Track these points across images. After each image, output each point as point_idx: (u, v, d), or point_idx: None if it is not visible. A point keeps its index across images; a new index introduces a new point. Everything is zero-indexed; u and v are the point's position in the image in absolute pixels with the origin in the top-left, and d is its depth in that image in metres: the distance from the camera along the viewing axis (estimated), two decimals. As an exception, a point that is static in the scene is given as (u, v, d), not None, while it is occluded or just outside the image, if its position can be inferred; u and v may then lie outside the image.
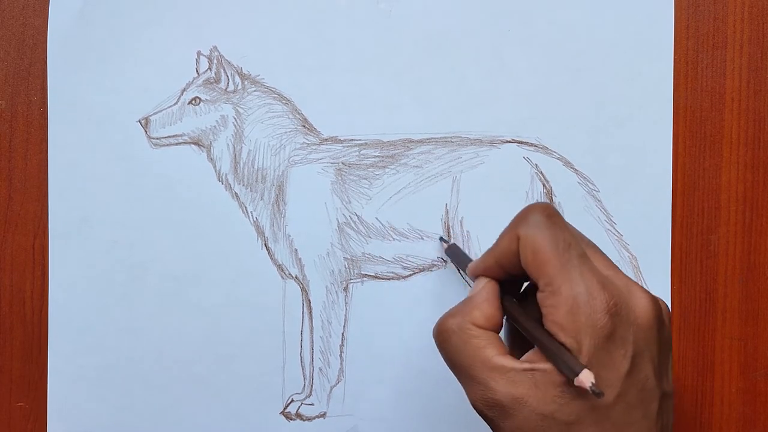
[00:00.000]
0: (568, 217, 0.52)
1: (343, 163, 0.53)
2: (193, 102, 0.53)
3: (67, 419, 0.53)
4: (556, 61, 0.53)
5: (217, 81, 0.53)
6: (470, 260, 0.46)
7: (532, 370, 0.39)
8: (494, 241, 0.43)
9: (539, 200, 0.53)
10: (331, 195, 0.53)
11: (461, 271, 0.46)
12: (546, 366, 0.38)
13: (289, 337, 0.53)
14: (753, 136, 0.53)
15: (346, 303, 0.53)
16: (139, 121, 0.53)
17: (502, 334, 0.42)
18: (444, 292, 0.53)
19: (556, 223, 0.40)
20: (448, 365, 0.42)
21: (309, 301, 0.53)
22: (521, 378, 0.39)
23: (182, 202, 0.53)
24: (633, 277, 0.53)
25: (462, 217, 0.53)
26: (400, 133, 0.53)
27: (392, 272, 0.53)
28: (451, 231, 0.53)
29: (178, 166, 0.53)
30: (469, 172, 0.53)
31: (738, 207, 0.53)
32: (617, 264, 0.52)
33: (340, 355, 0.53)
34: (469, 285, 0.47)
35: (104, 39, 0.53)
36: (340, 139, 0.53)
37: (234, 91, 0.53)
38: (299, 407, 0.53)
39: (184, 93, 0.53)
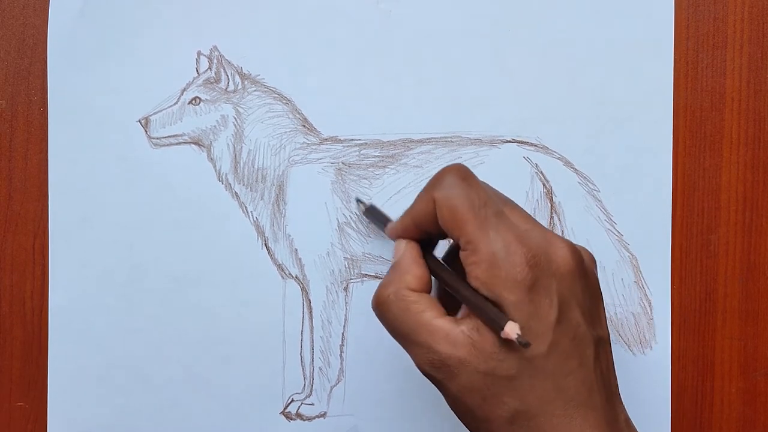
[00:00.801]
0: (568, 217, 0.53)
1: (343, 163, 0.53)
2: (194, 102, 0.53)
3: (67, 419, 0.53)
4: (556, 61, 0.53)
5: (218, 81, 0.53)
6: (390, 220, 0.47)
7: (468, 329, 0.39)
8: (409, 206, 0.44)
9: (539, 200, 0.53)
10: (331, 195, 0.53)
11: (383, 231, 0.47)
12: (479, 324, 0.39)
13: (289, 337, 0.53)
14: (753, 136, 0.53)
15: (346, 303, 0.53)
16: (140, 121, 0.53)
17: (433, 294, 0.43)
18: (444, 292, 0.53)
19: (471, 183, 0.41)
20: (391, 334, 0.42)
21: (309, 300, 0.53)
22: (460, 338, 0.39)
23: (182, 202, 0.53)
24: (633, 277, 0.53)
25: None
26: (400, 133, 0.53)
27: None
28: (451, 231, 0.53)
29: (178, 166, 0.53)
30: (469, 172, 0.53)
31: (738, 207, 0.53)
32: (617, 264, 0.53)
33: (341, 355, 0.53)
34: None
35: (104, 39, 0.53)
36: (340, 139, 0.53)
37: (234, 91, 0.53)
38: (299, 407, 0.53)
39: (185, 93, 0.53)
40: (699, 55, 0.53)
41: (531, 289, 0.38)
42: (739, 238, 0.53)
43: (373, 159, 0.53)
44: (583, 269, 0.41)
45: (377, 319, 0.43)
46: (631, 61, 0.53)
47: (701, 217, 0.53)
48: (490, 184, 0.52)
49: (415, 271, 0.42)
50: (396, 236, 0.45)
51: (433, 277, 0.43)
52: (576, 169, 0.53)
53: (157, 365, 0.53)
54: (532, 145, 0.53)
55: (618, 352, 0.53)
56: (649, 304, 0.53)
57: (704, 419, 0.53)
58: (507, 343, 0.38)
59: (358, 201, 0.52)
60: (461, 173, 0.42)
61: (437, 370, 0.40)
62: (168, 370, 0.53)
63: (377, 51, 0.53)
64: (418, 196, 0.43)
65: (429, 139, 0.53)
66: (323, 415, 0.53)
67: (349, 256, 0.53)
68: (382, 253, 0.53)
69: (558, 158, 0.53)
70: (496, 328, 0.38)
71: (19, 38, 0.53)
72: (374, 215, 0.51)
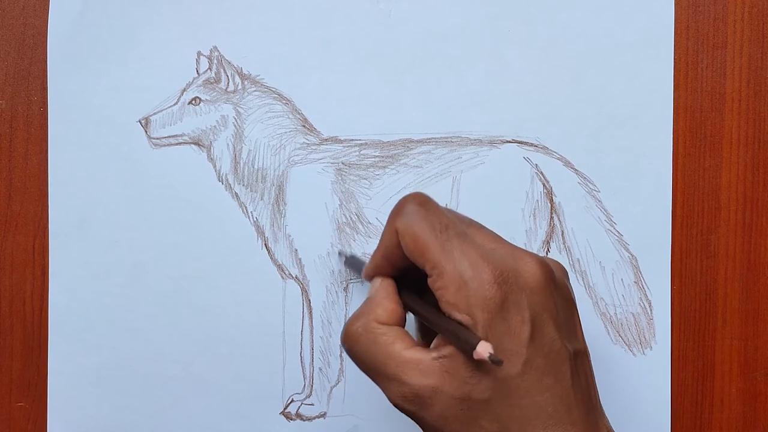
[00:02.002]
0: (569, 217, 0.53)
1: (343, 163, 0.53)
2: (194, 102, 0.53)
3: (67, 419, 0.53)
4: (556, 62, 0.53)
5: (218, 81, 0.53)
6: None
7: (440, 357, 0.39)
8: (378, 243, 0.43)
9: (539, 201, 0.53)
10: (331, 195, 0.53)
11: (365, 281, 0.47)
12: (451, 350, 0.39)
13: (289, 337, 0.53)
14: (753, 136, 0.53)
15: (346, 303, 0.53)
16: (140, 121, 0.53)
17: (412, 329, 0.43)
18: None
19: (430, 209, 0.41)
20: (361, 369, 0.42)
21: (309, 301, 0.53)
22: (432, 366, 0.39)
23: (182, 202, 0.53)
24: (633, 278, 0.53)
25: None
26: (400, 133, 0.53)
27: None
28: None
29: (178, 166, 0.53)
30: (469, 173, 0.53)
31: (738, 207, 0.53)
32: (617, 265, 0.53)
33: (341, 355, 0.53)
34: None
35: (104, 39, 0.53)
36: (340, 139, 0.53)
37: (234, 91, 0.53)
38: (299, 407, 0.53)
39: (184, 93, 0.53)
40: (699, 55, 0.53)
41: (501, 307, 0.38)
42: (739, 238, 0.53)
43: (373, 159, 0.53)
44: (553, 282, 0.40)
45: (346, 352, 0.42)
46: (631, 61, 0.53)
47: (701, 217, 0.53)
48: (490, 185, 0.52)
49: (386, 304, 0.42)
50: (370, 276, 0.45)
51: (413, 314, 0.43)
52: (576, 170, 0.53)
53: (157, 365, 0.53)
54: (532, 145, 0.53)
55: (618, 352, 0.53)
56: (649, 304, 0.53)
57: (704, 419, 0.53)
58: (480, 365, 0.38)
59: (340, 253, 0.53)
60: (419, 200, 0.41)
61: (410, 403, 0.39)
62: (168, 370, 0.53)
63: (377, 51, 0.53)
64: (384, 230, 0.43)
65: (429, 139, 0.53)
66: (323, 415, 0.53)
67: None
68: None
69: (558, 158, 0.53)
70: (468, 349, 0.37)
71: (19, 38, 0.53)
72: (355, 265, 0.51)
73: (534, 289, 0.39)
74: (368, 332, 0.41)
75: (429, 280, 0.40)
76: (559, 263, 0.43)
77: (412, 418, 0.40)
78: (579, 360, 0.40)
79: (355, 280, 0.53)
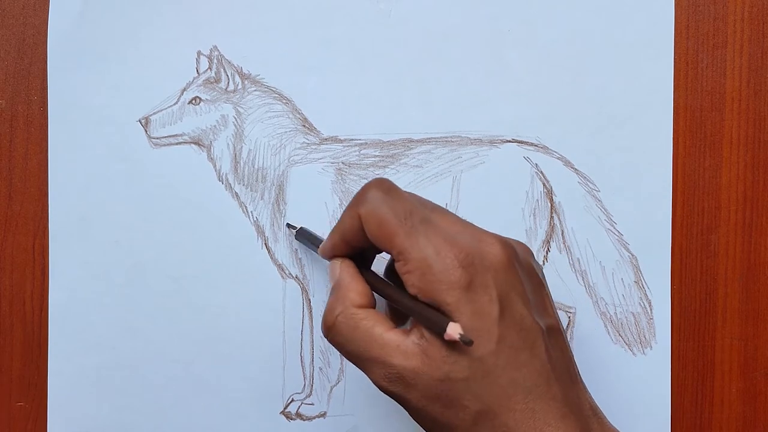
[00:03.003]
0: (569, 217, 0.53)
1: (343, 163, 0.53)
2: (194, 102, 0.53)
3: (67, 419, 0.53)
4: (556, 61, 0.53)
5: (218, 81, 0.53)
6: (322, 241, 0.47)
7: (418, 339, 0.40)
8: (336, 224, 0.44)
9: (540, 200, 0.53)
10: (331, 195, 0.53)
11: (316, 252, 0.48)
12: (428, 333, 0.39)
13: (290, 337, 0.53)
14: (753, 136, 0.53)
15: (346, 303, 0.53)
16: (140, 121, 0.53)
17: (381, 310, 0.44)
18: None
19: (394, 195, 0.41)
20: (346, 357, 0.42)
21: (309, 300, 0.53)
22: (412, 349, 0.40)
23: (182, 201, 0.53)
24: (633, 277, 0.53)
25: (462, 217, 0.52)
26: (400, 133, 0.53)
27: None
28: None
29: (178, 166, 0.53)
30: (469, 172, 0.53)
31: (738, 207, 0.53)
32: (617, 264, 0.53)
33: (341, 355, 0.53)
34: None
35: (104, 38, 0.53)
36: (340, 139, 0.53)
37: (234, 91, 0.53)
38: (299, 407, 0.53)
39: (185, 93, 0.53)
40: (699, 55, 0.53)
41: (468, 289, 0.39)
42: (739, 238, 0.53)
43: (373, 159, 0.53)
44: (517, 261, 0.41)
45: (330, 342, 0.43)
46: (631, 61, 0.53)
47: (701, 217, 0.53)
48: (490, 185, 0.52)
49: (356, 287, 0.43)
50: (328, 255, 0.45)
51: (380, 296, 0.43)
52: (576, 169, 0.53)
53: (157, 365, 0.53)
54: (532, 144, 0.53)
55: (618, 351, 0.53)
56: (649, 304, 0.53)
57: (704, 419, 0.53)
58: (454, 345, 0.38)
59: (289, 226, 0.53)
60: (384, 186, 0.42)
61: (394, 384, 0.40)
62: (168, 370, 0.53)
63: (377, 51, 0.53)
64: (344, 213, 0.43)
65: (429, 139, 0.53)
66: (323, 414, 0.53)
67: (349, 256, 0.53)
68: (382, 253, 0.53)
69: (558, 158, 0.53)
70: (439, 331, 0.38)
71: (19, 38, 0.53)
72: (306, 237, 0.51)
73: (498, 268, 0.40)
74: (348, 319, 0.42)
75: (396, 265, 0.41)
76: (524, 244, 0.44)
77: (397, 401, 0.41)
78: (553, 335, 0.41)
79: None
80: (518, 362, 0.39)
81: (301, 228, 0.52)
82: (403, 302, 0.41)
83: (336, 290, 0.43)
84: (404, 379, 0.40)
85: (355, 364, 0.42)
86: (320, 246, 0.46)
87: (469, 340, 0.37)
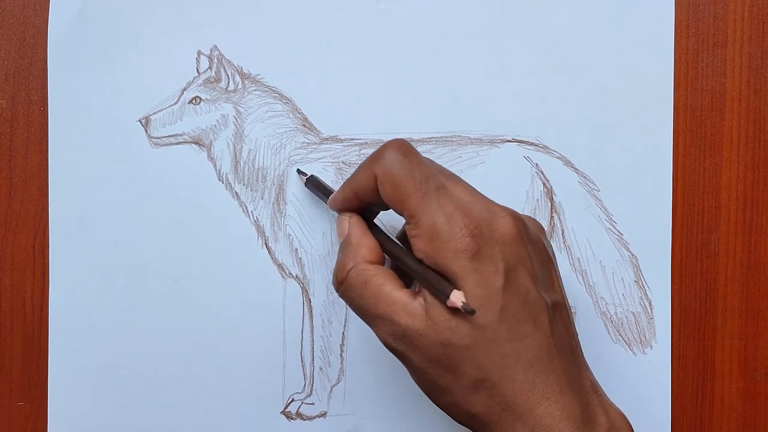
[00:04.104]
0: (569, 217, 0.53)
1: (343, 163, 0.53)
2: (194, 101, 0.53)
3: (68, 419, 0.53)
4: (556, 61, 0.53)
5: (218, 80, 0.53)
6: (332, 191, 0.47)
7: (424, 301, 0.40)
8: (348, 179, 0.44)
9: (540, 200, 0.53)
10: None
11: (325, 202, 0.48)
12: (432, 297, 0.40)
13: (290, 337, 0.53)
14: (753, 136, 0.53)
15: (346, 302, 0.53)
16: (140, 121, 0.53)
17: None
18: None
19: (412, 159, 0.41)
20: (355, 311, 0.43)
21: (309, 300, 0.53)
22: (418, 310, 0.40)
23: (182, 201, 0.53)
24: (633, 277, 0.53)
25: None
26: (400, 133, 0.53)
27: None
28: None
29: (178, 166, 0.53)
30: (469, 172, 0.53)
31: (738, 207, 0.53)
32: (617, 264, 0.53)
33: (341, 355, 0.53)
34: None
35: (104, 38, 0.53)
36: (340, 139, 0.53)
37: (234, 91, 0.53)
38: (300, 407, 0.53)
39: (185, 92, 0.53)
40: (699, 54, 0.53)
41: (474, 258, 0.39)
42: (739, 238, 0.53)
43: (374, 158, 0.53)
44: (528, 236, 0.41)
45: (340, 297, 0.43)
46: (631, 61, 0.53)
47: (701, 217, 0.53)
48: (490, 184, 0.52)
49: (366, 243, 0.43)
50: (337, 207, 0.46)
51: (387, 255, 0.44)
52: (576, 169, 0.53)
53: (157, 365, 0.53)
54: (532, 144, 0.53)
55: (618, 351, 0.53)
56: (649, 303, 0.53)
57: (704, 419, 0.53)
58: (457, 312, 0.39)
59: (299, 172, 0.52)
60: (403, 149, 0.42)
61: (399, 342, 0.41)
62: (168, 370, 0.53)
63: (377, 51, 0.53)
64: (359, 168, 0.43)
65: (429, 138, 0.53)
66: (323, 414, 0.53)
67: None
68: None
69: (558, 158, 0.53)
70: (442, 297, 0.39)
71: (19, 38, 0.53)
72: (316, 186, 0.51)
73: (507, 241, 0.40)
74: (359, 274, 0.42)
75: (406, 227, 0.41)
76: (536, 220, 0.44)
77: (400, 359, 0.42)
78: (558, 311, 0.41)
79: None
80: (520, 334, 0.39)
81: (311, 176, 0.52)
82: (410, 265, 0.41)
83: (346, 246, 0.43)
84: (408, 338, 0.40)
85: (363, 320, 0.42)
86: (330, 197, 0.46)
87: (471, 310, 0.38)
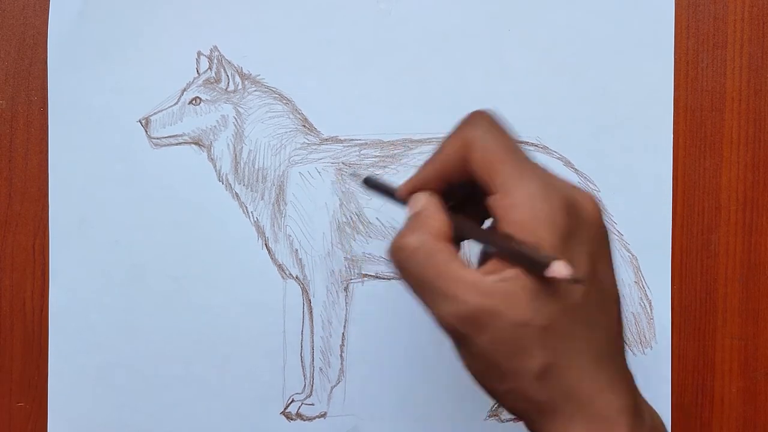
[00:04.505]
0: (569, 217, 0.53)
1: (343, 163, 0.53)
2: (194, 102, 0.53)
3: (67, 419, 0.53)
4: (556, 61, 0.53)
5: (218, 81, 0.53)
6: (393, 186, 0.45)
7: (501, 280, 0.37)
8: (432, 154, 0.41)
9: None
10: (331, 195, 0.53)
11: (389, 199, 0.46)
12: (514, 273, 0.37)
13: (290, 337, 0.53)
14: (753, 136, 0.53)
15: (346, 303, 0.53)
16: (140, 121, 0.53)
17: None
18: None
19: (501, 127, 0.39)
20: (411, 285, 0.40)
21: (309, 301, 0.53)
22: (492, 288, 0.37)
23: (182, 202, 0.53)
24: (633, 277, 0.53)
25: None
26: (400, 133, 0.53)
27: (393, 272, 0.53)
28: (452, 231, 0.53)
29: (178, 166, 0.53)
30: (469, 172, 0.53)
31: (738, 207, 0.53)
32: (617, 264, 0.53)
33: (341, 355, 0.53)
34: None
35: (104, 39, 0.53)
36: (340, 139, 0.53)
37: (234, 91, 0.53)
38: (300, 407, 0.53)
39: (185, 93, 0.53)
40: (699, 55, 0.53)
41: (567, 236, 0.37)
42: (739, 238, 0.53)
43: (374, 159, 0.53)
44: (605, 223, 0.39)
45: (394, 267, 0.40)
46: (631, 61, 0.53)
47: (701, 217, 0.53)
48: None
49: (439, 218, 0.40)
50: (412, 191, 0.42)
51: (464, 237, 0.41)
52: (576, 169, 0.53)
53: (157, 365, 0.53)
54: (532, 145, 0.53)
55: (618, 352, 0.53)
56: (649, 303, 0.53)
57: (704, 419, 0.53)
58: (544, 291, 0.37)
59: (354, 174, 0.52)
60: (492, 116, 0.40)
61: (464, 323, 0.38)
62: (168, 370, 0.53)
63: (377, 51, 0.53)
64: (445, 140, 0.41)
65: (429, 139, 0.53)
66: (323, 415, 0.53)
67: (349, 256, 0.53)
68: (383, 253, 0.53)
69: (558, 158, 0.53)
70: (538, 269, 0.36)
71: (20, 38, 0.53)
72: (375, 186, 0.49)
73: (592, 225, 0.38)
74: (425, 247, 0.39)
75: (491, 198, 0.38)
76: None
77: (457, 341, 0.39)
78: (621, 305, 0.40)
79: (355, 280, 0.53)
80: (597, 321, 0.38)
81: (368, 176, 0.49)
82: (495, 240, 0.38)
83: (415, 218, 0.41)
84: (477, 318, 0.37)
85: (417, 295, 0.40)
86: (404, 183, 0.43)
87: (580, 278, 0.36)
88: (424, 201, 0.41)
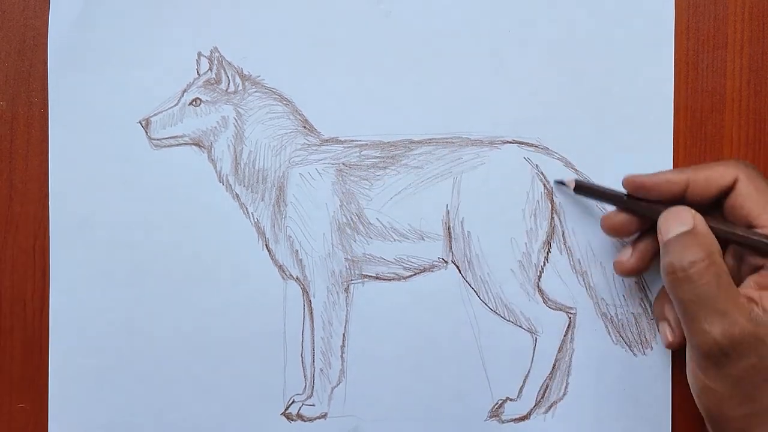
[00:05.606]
0: (569, 218, 0.53)
1: (343, 164, 0.53)
2: (194, 103, 0.53)
3: (68, 420, 0.53)
4: (556, 62, 0.53)
5: (218, 82, 0.53)
6: (606, 189, 0.49)
7: (763, 311, 0.41)
8: (690, 166, 0.47)
9: (540, 201, 0.53)
10: (331, 196, 0.53)
11: (601, 200, 0.50)
12: None
13: (290, 338, 0.53)
14: (753, 137, 0.53)
15: (347, 304, 0.53)
16: (140, 122, 0.53)
17: None
18: (445, 292, 0.53)
19: (764, 179, 0.45)
20: (686, 298, 0.43)
21: (310, 301, 0.53)
22: (761, 318, 0.41)
23: (183, 203, 0.53)
24: (634, 278, 0.53)
25: (463, 218, 0.53)
26: (400, 134, 0.53)
27: (393, 273, 0.53)
28: (452, 232, 0.53)
29: (178, 167, 0.53)
30: (469, 173, 0.53)
31: (738, 207, 0.53)
32: (618, 264, 0.53)
33: (341, 356, 0.53)
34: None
35: (105, 40, 0.53)
36: (340, 140, 0.53)
37: (234, 92, 0.53)
38: (300, 408, 0.53)
39: (185, 94, 0.53)
40: (699, 55, 0.53)
41: None
42: (740, 239, 0.53)
43: (374, 160, 0.53)
44: None
45: (676, 282, 0.43)
46: (631, 61, 0.53)
47: (701, 217, 0.53)
48: (491, 186, 0.52)
49: (715, 240, 0.44)
50: (670, 185, 0.47)
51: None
52: (576, 170, 0.53)
53: (157, 365, 0.53)
54: (532, 145, 0.53)
55: (619, 352, 0.53)
56: (650, 304, 0.53)
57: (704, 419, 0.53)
58: None
59: (559, 183, 0.52)
60: (756, 168, 0.46)
61: (733, 345, 0.41)
62: (168, 371, 0.53)
63: (377, 51, 0.53)
64: (713, 164, 0.46)
65: (430, 140, 0.53)
66: (324, 416, 0.53)
67: (350, 257, 0.53)
68: (383, 254, 0.53)
69: (558, 159, 0.53)
70: None
71: (20, 40, 0.53)
72: (586, 190, 0.51)
73: None
74: (713, 265, 0.42)
75: (756, 229, 0.44)
76: None
77: (714, 364, 0.42)
78: None
79: (356, 281, 0.53)
80: None
81: (578, 180, 0.51)
82: None
83: (695, 236, 0.44)
84: (744, 343, 0.41)
85: (689, 310, 0.43)
86: (648, 176, 0.48)
87: None
88: (695, 218, 0.45)
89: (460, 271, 0.53)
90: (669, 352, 0.52)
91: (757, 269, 0.45)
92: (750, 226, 0.45)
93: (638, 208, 0.49)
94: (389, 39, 0.53)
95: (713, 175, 0.45)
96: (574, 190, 0.51)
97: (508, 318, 0.53)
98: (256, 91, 0.53)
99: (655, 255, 0.49)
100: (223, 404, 0.53)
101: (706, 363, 0.42)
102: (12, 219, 0.53)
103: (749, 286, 0.44)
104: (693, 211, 0.45)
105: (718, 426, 0.44)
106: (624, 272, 0.50)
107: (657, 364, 0.53)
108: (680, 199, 0.47)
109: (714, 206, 0.47)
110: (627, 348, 0.53)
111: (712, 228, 0.45)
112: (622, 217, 0.49)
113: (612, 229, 0.50)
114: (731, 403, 0.42)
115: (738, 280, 0.46)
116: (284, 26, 0.53)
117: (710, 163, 0.46)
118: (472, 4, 0.53)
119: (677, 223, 0.45)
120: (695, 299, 0.42)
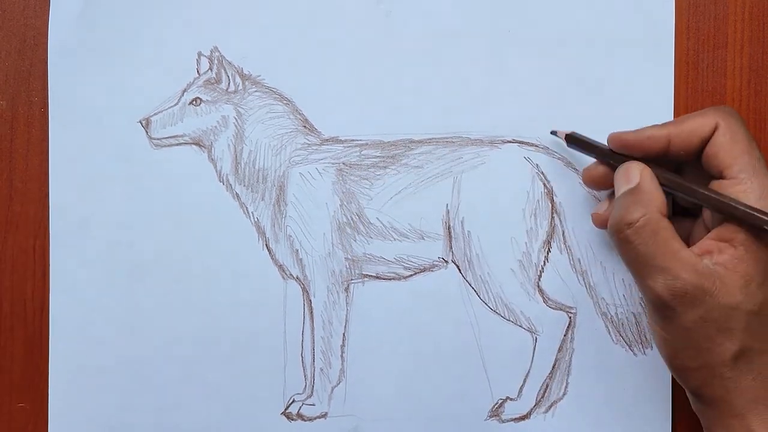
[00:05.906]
0: (570, 218, 0.53)
1: (344, 164, 0.53)
2: (194, 102, 0.53)
3: (68, 419, 0.53)
4: (556, 61, 0.53)
5: (218, 81, 0.53)
6: (598, 143, 0.49)
7: (716, 264, 0.42)
8: (671, 120, 0.46)
9: (540, 201, 0.53)
10: (332, 195, 0.53)
11: (592, 156, 0.49)
12: (728, 258, 0.42)
13: (290, 338, 0.53)
14: (754, 137, 0.53)
15: (347, 303, 0.53)
16: (140, 122, 0.53)
17: None
18: (445, 292, 0.53)
19: (744, 124, 0.45)
20: (630, 260, 0.43)
21: (310, 301, 0.53)
22: (709, 270, 0.41)
23: (183, 202, 0.53)
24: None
25: (463, 218, 0.53)
26: (401, 134, 0.53)
27: (393, 272, 0.53)
28: (452, 231, 0.53)
29: (178, 167, 0.53)
30: (470, 173, 0.53)
31: (738, 207, 0.53)
32: (617, 264, 0.53)
33: (342, 356, 0.53)
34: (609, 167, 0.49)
35: (105, 40, 0.53)
36: (341, 140, 0.53)
37: (235, 92, 0.53)
38: (300, 408, 0.53)
39: (185, 93, 0.53)
40: (699, 55, 0.53)
41: None
42: (740, 238, 0.53)
43: (374, 159, 0.53)
44: None
45: (617, 241, 0.44)
46: (631, 61, 0.53)
47: (701, 217, 0.53)
48: (491, 185, 0.52)
49: (660, 195, 0.44)
50: (626, 145, 0.46)
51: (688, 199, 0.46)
52: (577, 170, 0.53)
53: (157, 365, 0.53)
54: (532, 145, 0.53)
55: (619, 352, 0.53)
56: (650, 304, 0.53)
57: (705, 419, 0.53)
58: (757, 277, 0.41)
59: (553, 133, 0.52)
60: (738, 114, 0.45)
61: (676, 298, 0.41)
62: (168, 370, 0.53)
63: (377, 51, 0.53)
64: (691, 115, 0.45)
65: (430, 139, 0.53)
66: (324, 415, 0.53)
67: (350, 257, 0.53)
68: (383, 253, 0.53)
69: (559, 158, 0.53)
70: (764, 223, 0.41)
71: (20, 39, 0.53)
72: (578, 143, 0.50)
73: None
74: (650, 222, 0.43)
75: (723, 183, 0.43)
76: None
77: (664, 315, 0.42)
78: None
79: (356, 281, 0.53)
80: None
81: (572, 133, 0.51)
82: (736, 208, 0.42)
83: (637, 192, 0.44)
84: (688, 296, 0.41)
85: (636, 269, 0.43)
86: (620, 134, 0.47)
87: None
88: (637, 174, 0.45)
89: (460, 270, 0.53)
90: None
91: (724, 221, 0.45)
92: (721, 177, 0.44)
93: (620, 163, 0.48)
94: (389, 39, 0.53)
95: (694, 126, 0.45)
96: (566, 141, 0.51)
97: (508, 318, 0.53)
98: (256, 91, 0.53)
99: None
100: (223, 404, 0.53)
101: (656, 316, 0.43)
102: (12, 219, 0.53)
103: (711, 237, 0.44)
104: (642, 166, 0.45)
105: (681, 377, 0.44)
106: (601, 224, 0.50)
107: (657, 364, 0.53)
108: (665, 154, 0.46)
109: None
110: (627, 348, 0.53)
111: (671, 184, 0.45)
112: (602, 169, 0.49)
113: (591, 181, 0.50)
114: (687, 354, 0.42)
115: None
116: (284, 26, 0.53)
117: (692, 113, 0.46)
118: (472, 4, 0.53)
119: (624, 180, 0.45)
120: (637, 257, 0.43)
